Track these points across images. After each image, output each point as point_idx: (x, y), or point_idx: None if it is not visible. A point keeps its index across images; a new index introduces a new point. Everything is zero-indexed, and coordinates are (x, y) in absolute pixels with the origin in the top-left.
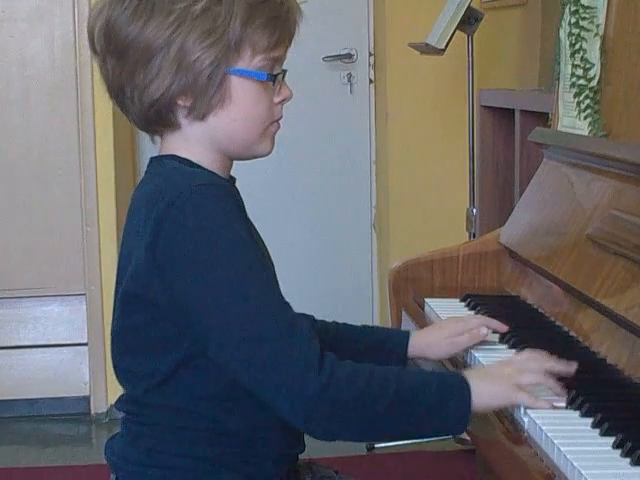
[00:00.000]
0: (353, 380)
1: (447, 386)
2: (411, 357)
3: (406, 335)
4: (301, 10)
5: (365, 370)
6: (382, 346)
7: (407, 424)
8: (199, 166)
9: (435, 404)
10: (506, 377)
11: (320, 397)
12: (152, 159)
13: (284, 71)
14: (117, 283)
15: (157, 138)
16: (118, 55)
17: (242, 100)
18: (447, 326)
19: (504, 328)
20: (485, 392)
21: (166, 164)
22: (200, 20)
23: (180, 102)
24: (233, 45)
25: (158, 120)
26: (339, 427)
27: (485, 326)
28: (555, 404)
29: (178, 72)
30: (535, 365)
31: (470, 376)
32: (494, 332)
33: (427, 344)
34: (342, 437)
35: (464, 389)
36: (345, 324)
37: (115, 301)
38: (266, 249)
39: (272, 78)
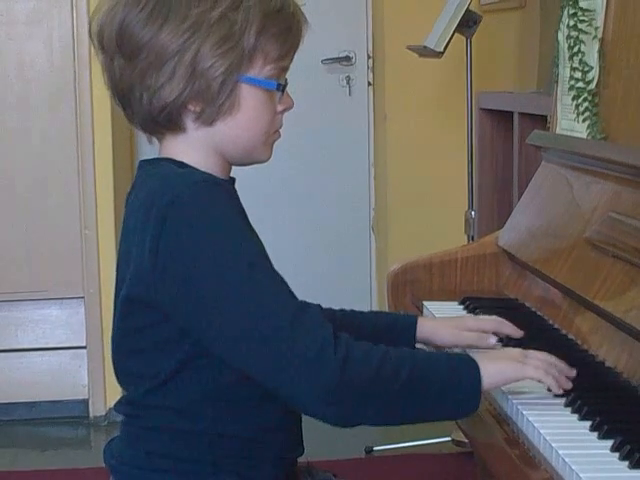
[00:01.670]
0: (369, 358)
1: (457, 365)
2: (418, 340)
3: (414, 318)
4: (307, 22)
5: (379, 349)
6: (391, 329)
7: (422, 403)
8: (193, 167)
9: (447, 382)
10: (513, 357)
11: (339, 377)
12: (142, 162)
13: (287, 81)
14: (116, 286)
15: (154, 139)
16: (130, 56)
17: (250, 108)
18: (459, 318)
19: (518, 333)
20: (493, 369)
21: (160, 166)
22: (216, 27)
23: (190, 107)
24: (247, 53)
25: (166, 123)
26: (357, 408)
27: (497, 330)
28: (562, 385)
29: (191, 78)
30: (540, 354)
31: (478, 357)
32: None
33: (434, 328)
34: (359, 419)
35: (473, 367)
36: (352, 310)
37: (115, 304)
38: (264, 248)
39: (281, 88)
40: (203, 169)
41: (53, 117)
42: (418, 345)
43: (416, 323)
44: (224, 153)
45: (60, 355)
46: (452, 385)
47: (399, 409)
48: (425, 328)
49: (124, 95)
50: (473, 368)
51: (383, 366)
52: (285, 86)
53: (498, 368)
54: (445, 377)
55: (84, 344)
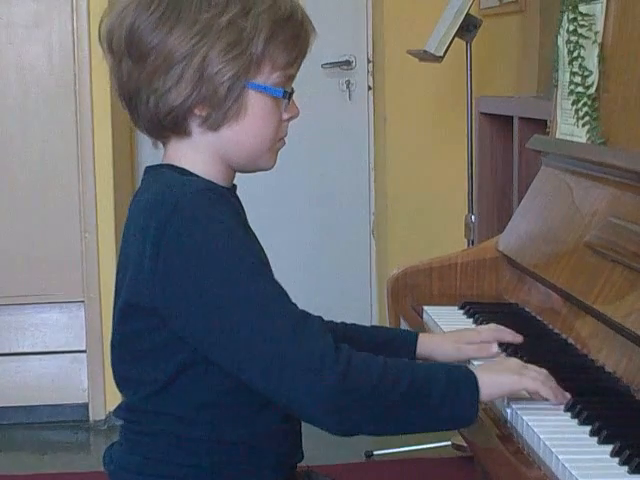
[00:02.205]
0: (369, 369)
1: (455, 377)
2: (419, 356)
3: (415, 334)
4: (315, 30)
5: (379, 360)
6: (391, 344)
7: (420, 414)
8: (195, 175)
9: (446, 394)
10: (510, 368)
11: (339, 386)
12: (148, 168)
13: (293, 90)
14: (116, 291)
15: (159, 143)
16: (138, 59)
17: (257, 114)
18: (458, 332)
19: (518, 339)
20: (491, 381)
21: (163, 173)
22: (225, 32)
23: (197, 111)
24: (255, 60)
25: (172, 127)
26: (357, 418)
27: (497, 339)
28: (559, 398)
29: (199, 82)
30: (536, 368)
31: (476, 369)
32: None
33: (435, 344)
34: (358, 429)
35: (471, 379)
36: (353, 324)
37: (115, 309)
38: (267, 258)
39: (287, 95)
40: (206, 175)
41: (53, 120)
42: (419, 361)
43: (417, 339)
44: (228, 159)
45: (60, 359)
46: (450, 397)
47: (397, 420)
48: (426, 344)
49: (131, 98)
50: (471, 380)
51: (383, 377)
52: (292, 94)
53: (496, 380)
54: (443, 389)
55: (84, 348)
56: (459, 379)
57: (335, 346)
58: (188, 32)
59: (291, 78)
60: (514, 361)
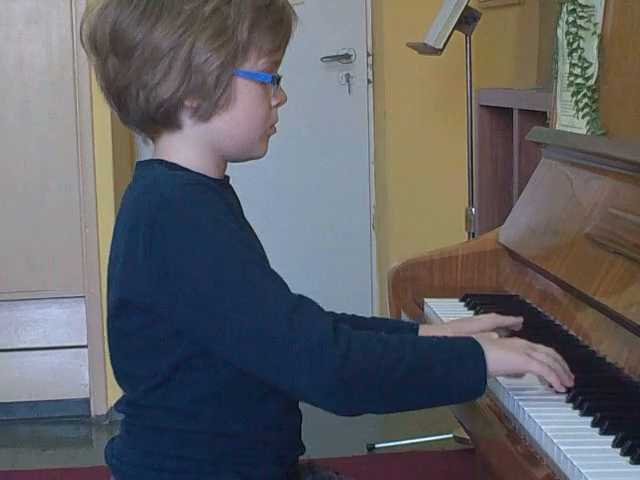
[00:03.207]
0: (370, 348)
1: (461, 349)
2: None
3: (415, 326)
4: (296, 15)
5: (380, 338)
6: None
7: (426, 389)
8: (185, 169)
9: (452, 367)
10: (519, 348)
11: (340, 369)
12: (139, 163)
13: (280, 75)
14: (109, 286)
15: (149, 140)
16: (125, 55)
17: (246, 102)
18: (458, 321)
19: (519, 320)
20: (499, 356)
21: (153, 168)
22: (210, 21)
23: (187, 103)
24: (241, 47)
25: (163, 120)
26: (361, 398)
27: (498, 326)
28: (563, 385)
29: (187, 73)
30: (545, 349)
31: (483, 342)
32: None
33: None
34: (364, 409)
35: (478, 351)
36: (354, 315)
37: (108, 304)
38: (262, 249)
39: (276, 80)
40: (197, 168)
41: (52, 117)
42: None
43: (417, 330)
44: (221, 149)
45: (61, 354)
46: (456, 370)
47: (402, 396)
48: (427, 335)
49: (119, 95)
50: (478, 351)
51: (385, 355)
52: (279, 79)
53: (504, 356)
54: (448, 362)
55: (85, 343)
56: (464, 352)
57: (334, 327)
58: (173, 24)
59: (277, 64)
60: (523, 341)
